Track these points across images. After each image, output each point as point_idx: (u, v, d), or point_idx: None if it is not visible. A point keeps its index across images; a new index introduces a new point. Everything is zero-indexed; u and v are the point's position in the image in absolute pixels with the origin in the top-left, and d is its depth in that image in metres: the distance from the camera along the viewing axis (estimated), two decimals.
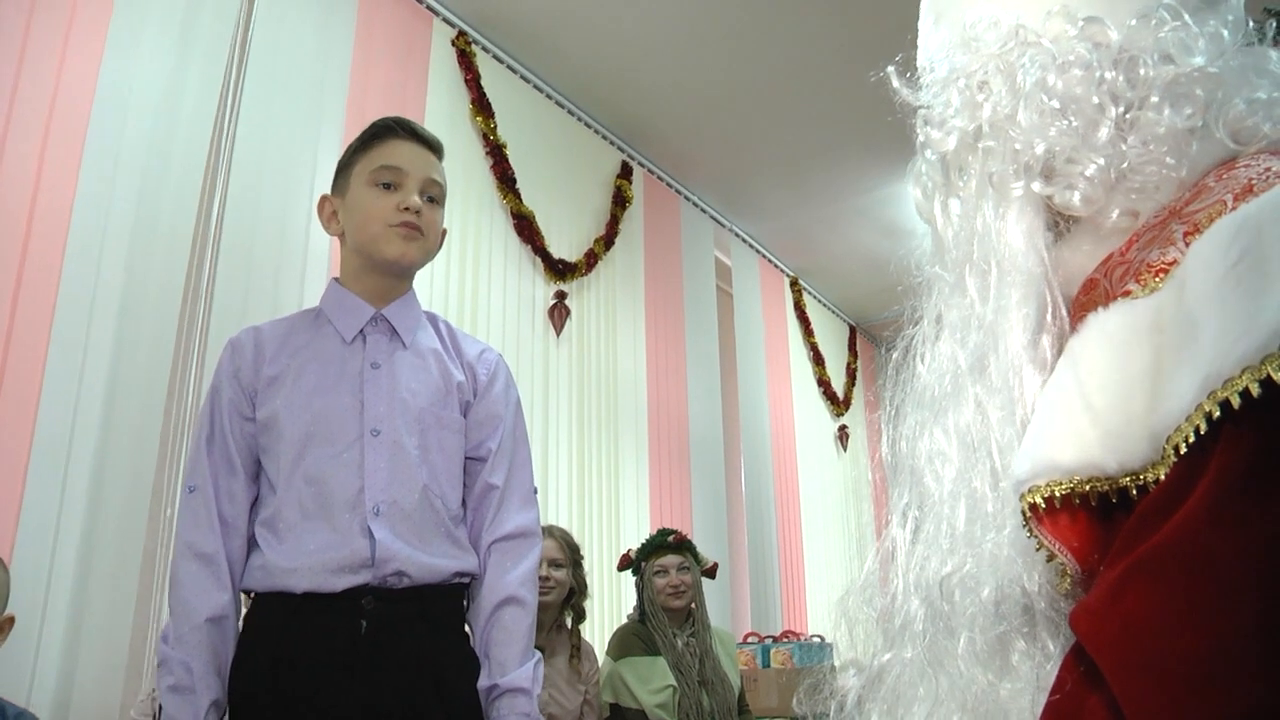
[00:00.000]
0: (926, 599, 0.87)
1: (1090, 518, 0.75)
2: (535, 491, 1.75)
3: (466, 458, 1.69)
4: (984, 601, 0.82)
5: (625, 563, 3.52)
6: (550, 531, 3.06)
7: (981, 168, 0.92)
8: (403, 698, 1.49)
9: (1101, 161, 0.86)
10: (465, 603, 1.65)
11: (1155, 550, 0.63)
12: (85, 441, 2.48)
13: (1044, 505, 0.75)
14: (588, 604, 3.19)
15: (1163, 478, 0.68)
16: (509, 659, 1.56)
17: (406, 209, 1.65)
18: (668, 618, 3.30)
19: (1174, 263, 0.75)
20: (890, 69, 1.01)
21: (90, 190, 2.61)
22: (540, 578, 2.85)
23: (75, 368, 2.49)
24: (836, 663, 1.00)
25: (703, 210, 5.65)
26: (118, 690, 2.45)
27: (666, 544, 3.43)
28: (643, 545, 3.50)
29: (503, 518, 1.66)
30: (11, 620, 1.88)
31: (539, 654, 1.62)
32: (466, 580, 1.63)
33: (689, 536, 3.59)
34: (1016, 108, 0.89)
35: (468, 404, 1.70)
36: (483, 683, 1.56)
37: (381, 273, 1.70)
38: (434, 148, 1.75)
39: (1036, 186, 0.89)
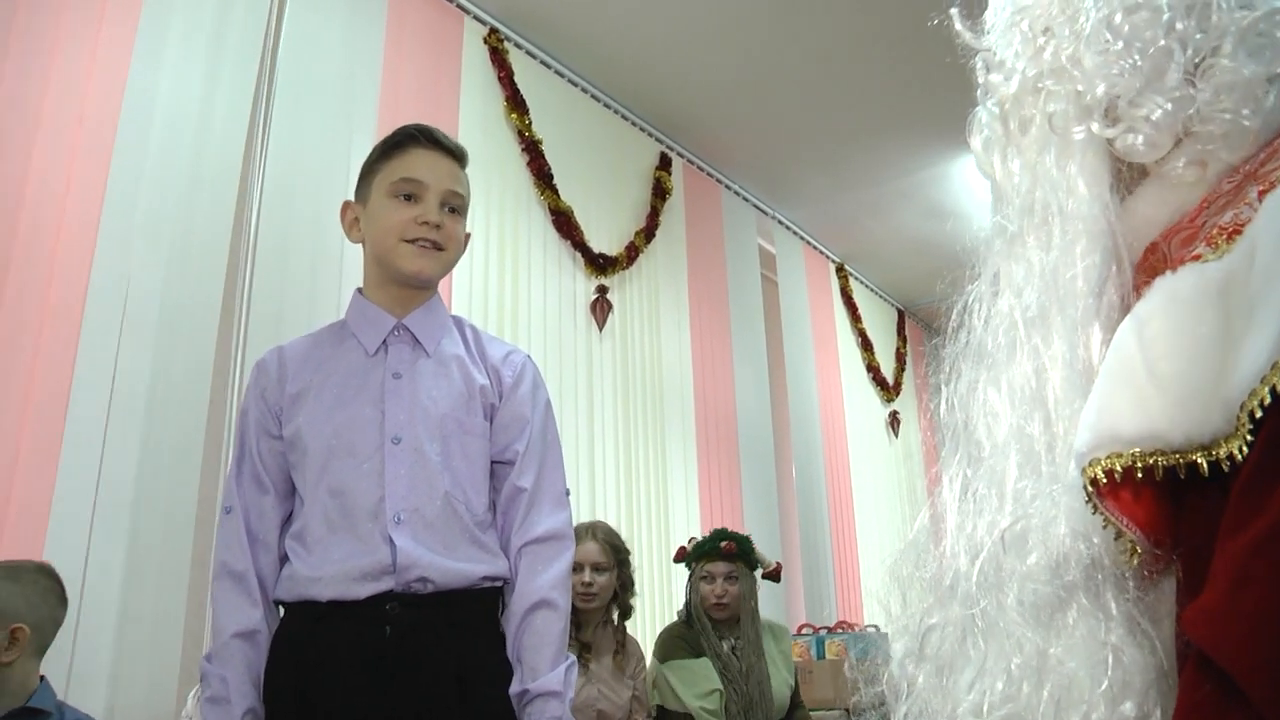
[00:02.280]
0: (976, 557, 0.84)
1: (1155, 495, 0.70)
2: (568, 494, 1.73)
3: (494, 462, 1.68)
4: (1037, 558, 0.79)
5: (681, 555, 3.45)
6: (593, 533, 3.00)
7: (1042, 110, 0.89)
8: (428, 703, 1.49)
9: (1169, 106, 0.82)
10: (501, 607, 1.64)
11: (1272, 532, 0.58)
12: (124, 454, 2.49)
13: (1105, 479, 0.70)
14: (636, 600, 3.15)
15: (1236, 451, 0.63)
16: (540, 663, 1.55)
17: (425, 223, 1.65)
18: (711, 623, 3.22)
19: (1248, 222, 0.71)
20: (954, 11, 0.98)
21: (120, 201, 2.61)
22: (584, 583, 2.86)
23: (110, 378, 2.50)
24: (901, 621, 0.97)
25: (744, 199, 5.59)
26: (170, 700, 2.47)
27: (717, 550, 3.31)
28: (697, 545, 3.41)
29: (532, 520, 1.64)
30: (22, 631, 1.91)
31: (572, 657, 1.61)
32: (498, 584, 1.63)
33: (741, 530, 3.51)
34: (1079, 48, 0.86)
35: (493, 407, 1.70)
36: (514, 688, 1.55)
37: (400, 284, 1.70)
38: (457, 156, 1.74)
39: (1097, 128, 0.86)
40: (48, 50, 2.55)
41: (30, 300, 2.41)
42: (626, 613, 3.06)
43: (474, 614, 1.59)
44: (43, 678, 1.96)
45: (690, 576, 3.35)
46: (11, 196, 2.43)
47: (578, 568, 2.88)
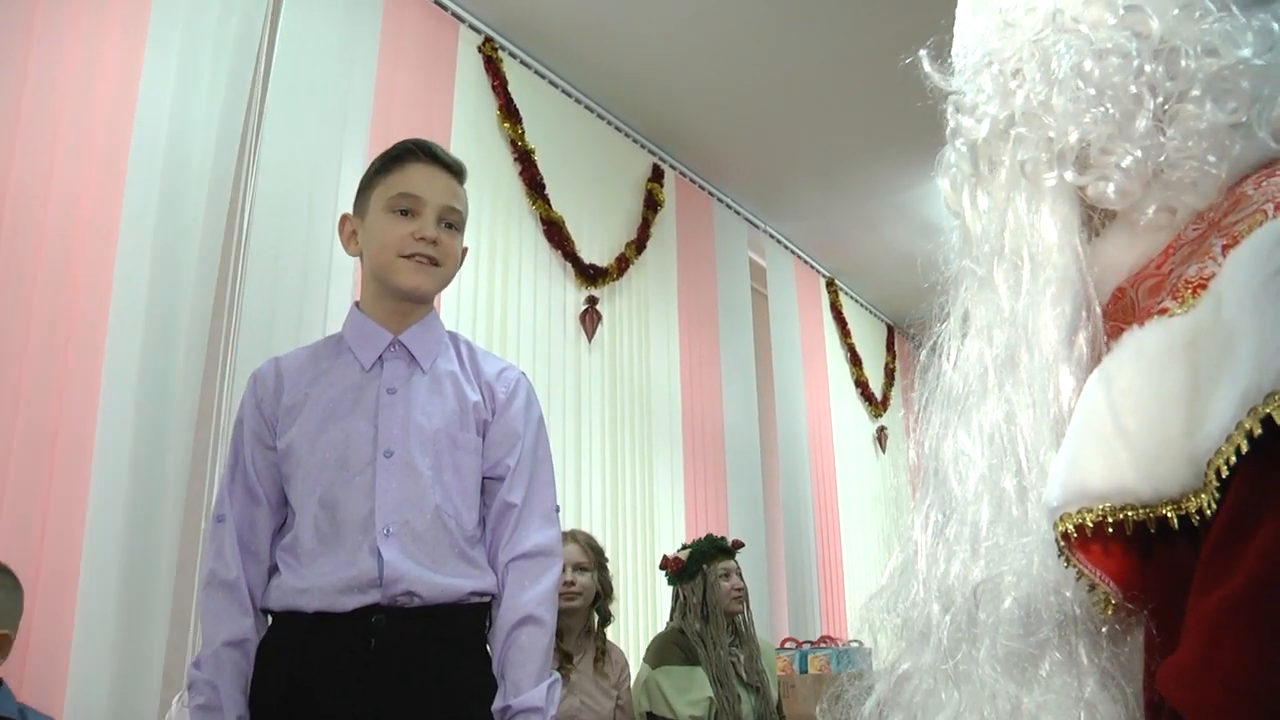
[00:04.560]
0: (948, 605, 0.84)
1: (1125, 549, 0.71)
2: (557, 510, 1.73)
3: (485, 477, 1.68)
4: (1009, 608, 0.79)
5: (677, 565, 3.45)
6: (574, 536, 3.02)
7: (1013, 156, 0.89)
8: (410, 716, 1.49)
9: (1138, 153, 0.83)
10: (488, 623, 1.64)
11: (1244, 591, 0.58)
12: (116, 461, 2.48)
13: (1076, 533, 0.71)
14: (619, 608, 3.16)
15: (1205, 506, 0.63)
16: (524, 680, 1.55)
17: (422, 239, 1.65)
18: (724, 622, 3.30)
19: (1212, 277, 0.71)
20: (923, 53, 0.98)
21: (114, 206, 2.61)
22: (565, 582, 2.85)
23: (97, 384, 2.49)
24: (875, 665, 0.97)
25: (736, 212, 5.60)
26: (154, 705, 2.46)
27: (727, 548, 3.45)
28: (701, 549, 3.45)
29: (521, 536, 1.64)
30: (8, 639, 1.88)
31: (556, 675, 1.61)
32: (486, 600, 1.63)
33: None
34: (1050, 94, 0.86)
35: (485, 423, 1.70)
36: (497, 704, 1.55)
37: (396, 298, 1.71)
38: (456, 171, 1.74)
39: (1069, 176, 0.86)
40: (60, 64, 2.56)
41: (49, 310, 2.44)
42: (606, 619, 3.07)
43: (460, 629, 1.59)
44: (0, 681, 1.92)
45: (704, 580, 3.35)
46: (35, 208, 2.45)
47: None
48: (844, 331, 6.56)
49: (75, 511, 2.39)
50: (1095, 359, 0.82)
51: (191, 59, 2.86)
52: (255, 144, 3.03)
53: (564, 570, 2.85)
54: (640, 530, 4.36)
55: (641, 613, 4.21)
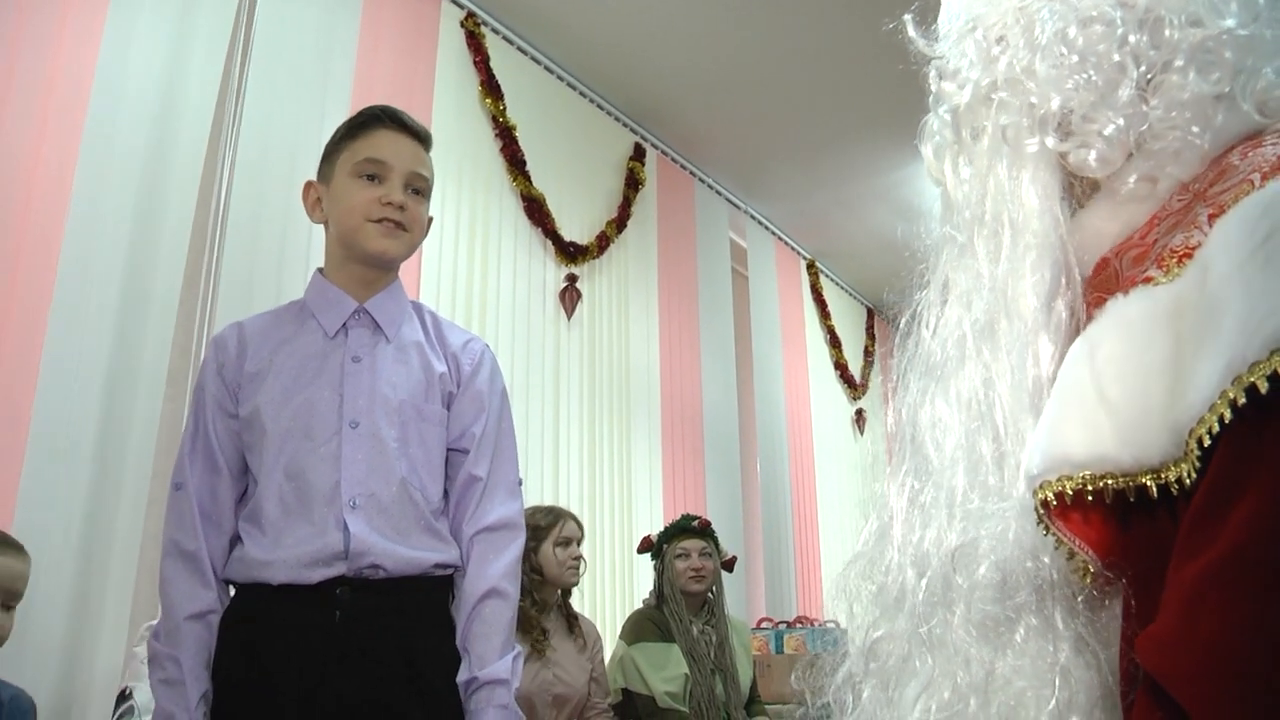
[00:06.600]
0: (923, 570, 0.83)
1: (1105, 518, 0.70)
2: (520, 483, 1.74)
3: (449, 449, 1.68)
4: (985, 574, 0.78)
5: (646, 545, 3.51)
6: (569, 512, 3.07)
7: (995, 122, 0.89)
8: (375, 688, 1.49)
9: (1121, 121, 0.82)
10: (451, 595, 1.64)
11: (1225, 561, 0.58)
12: (86, 429, 2.47)
13: (1055, 502, 0.70)
14: (596, 586, 3.18)
15: (1185, 475, 0.63)
16: (488, 652, 1.55)
17: (389, 204, 1.64)
18: (685, 602, 3.29)
19: (1198, 246, 0.70)
20: (907, 18, 0.98)
21: (89, 176, 2.59)
22: (574, 558, 2.94)
23: (74, 355, 2.48)
24: (849, 632, 0.97)
25: (717, 192, 5.60)
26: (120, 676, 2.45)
27: (690, 528, 3.44)
28: (666, 528, 3.49)
29: (485, 509, 1.64)
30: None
31: (519, 648, 1.62)
32: (449, 572, 1.63)
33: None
34: (1034, 60, 0.85)
35: (450, 395, 1.69)
36: (462, 676, 1.55)
37: (363, 264, 1.69)
38: (421, 138, 1.73)
39: (1051, 142, 0.85)
40: (14, 23, 2.51)
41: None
42: (568, 590, 3.09)
43: (424, 601, 1.59)
44: None
45: (661, 559, 3.39)
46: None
47: (567, 543, 2.97)
48: (824, 314, 6.58)
49: (42, 486, 2.37)
50: (1075, 327, 0.81)
51: (172, 30, 2.83)
52: (236, 116, 3.00)
53: (571, 545, 2.95)
54: (618, 509, 4.37)
55: (619, 591, 4.22)
